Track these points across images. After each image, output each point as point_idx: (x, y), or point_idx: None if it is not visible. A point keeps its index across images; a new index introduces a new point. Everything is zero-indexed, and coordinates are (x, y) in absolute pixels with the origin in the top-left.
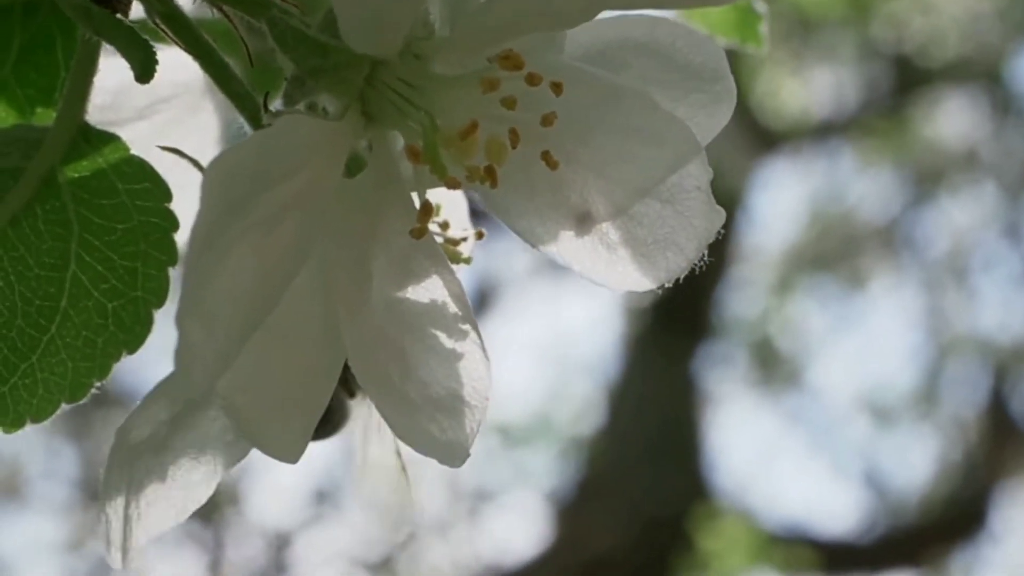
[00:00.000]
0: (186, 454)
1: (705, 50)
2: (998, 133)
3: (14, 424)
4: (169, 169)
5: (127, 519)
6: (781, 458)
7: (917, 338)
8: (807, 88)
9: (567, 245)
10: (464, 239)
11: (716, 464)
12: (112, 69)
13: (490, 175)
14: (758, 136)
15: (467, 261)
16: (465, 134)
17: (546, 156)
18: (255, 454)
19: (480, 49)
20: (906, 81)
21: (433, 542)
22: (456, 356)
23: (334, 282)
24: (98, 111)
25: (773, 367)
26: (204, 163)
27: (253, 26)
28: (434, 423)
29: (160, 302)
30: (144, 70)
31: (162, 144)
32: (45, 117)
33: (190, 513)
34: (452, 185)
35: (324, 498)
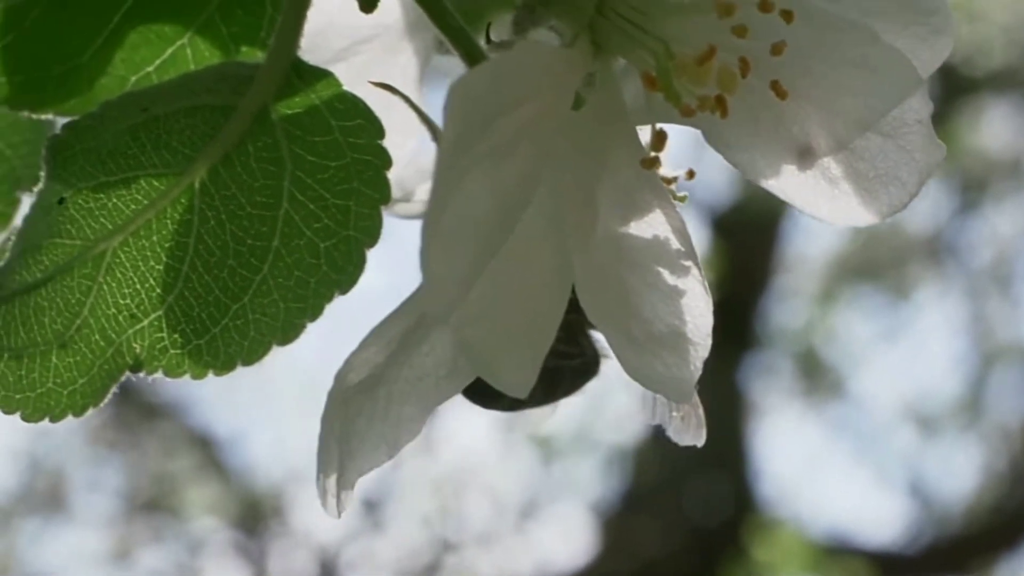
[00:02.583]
0: (398, 389)
1: None
2: None
3: (224, 367)
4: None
5: (341, 459)
6: (826, 467)
7: (962, 347)
8: None
9: (789, 180)
10: (676, 178)
11: (761, 474)
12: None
13: (720, 104)
14: None
15: (682, 199)
16: (702, 60)
17: (775, 86)
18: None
19: None
20: (951, 90)
21: (479, 553)
22: (678, 293)
23: (565, 212)
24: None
25: (818, 377)
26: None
27: None
28: (659, 360)
29: (373, 241)
30: (368, 1)
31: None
32: (249, 56)
33: (401, 448)
34: (687, 113)
35: (371, 509)
